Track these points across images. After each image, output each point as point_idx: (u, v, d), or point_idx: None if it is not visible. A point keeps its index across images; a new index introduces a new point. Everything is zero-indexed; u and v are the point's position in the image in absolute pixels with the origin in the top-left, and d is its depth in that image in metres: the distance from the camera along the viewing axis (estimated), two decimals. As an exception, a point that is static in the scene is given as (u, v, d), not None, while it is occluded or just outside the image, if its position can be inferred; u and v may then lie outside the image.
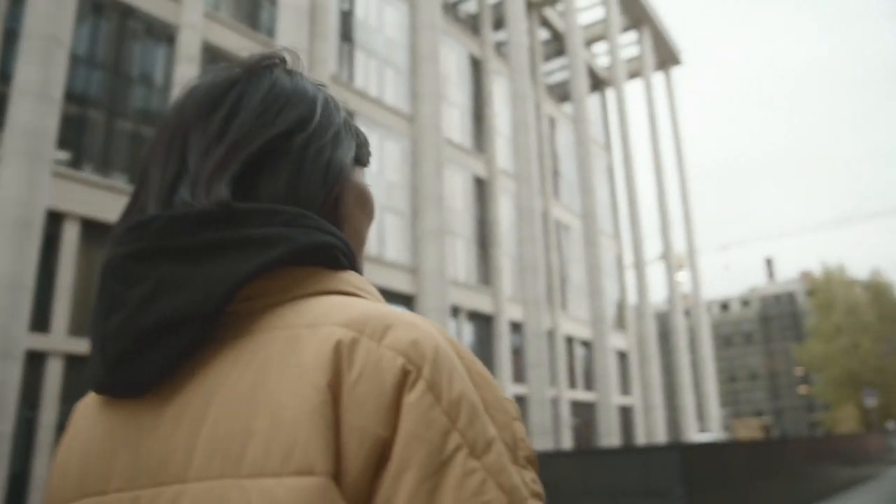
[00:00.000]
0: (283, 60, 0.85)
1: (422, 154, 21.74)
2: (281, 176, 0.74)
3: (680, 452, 9.42)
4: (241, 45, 18.31)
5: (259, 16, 19.45)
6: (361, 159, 0.88)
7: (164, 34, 17.08)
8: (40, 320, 13.75)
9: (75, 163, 15.07)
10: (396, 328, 0.64)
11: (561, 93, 37.09)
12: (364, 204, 0.85)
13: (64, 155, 14.83)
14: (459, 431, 0.60)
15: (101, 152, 15.67)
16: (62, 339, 13.89)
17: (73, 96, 15.18)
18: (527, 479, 0.64)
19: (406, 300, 22.53)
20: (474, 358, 0.68)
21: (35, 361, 13.41)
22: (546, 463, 11.20)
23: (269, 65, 0.82)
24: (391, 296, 22.08)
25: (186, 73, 16.25)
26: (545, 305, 26.30)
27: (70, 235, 14.36)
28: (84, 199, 14.55)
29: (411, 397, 0.60)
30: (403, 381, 0.61)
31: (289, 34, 15.40)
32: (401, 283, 22.23)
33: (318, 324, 0.65)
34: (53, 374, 13.57)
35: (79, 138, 15.40)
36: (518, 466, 0.64)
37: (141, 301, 0.65)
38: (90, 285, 14.60)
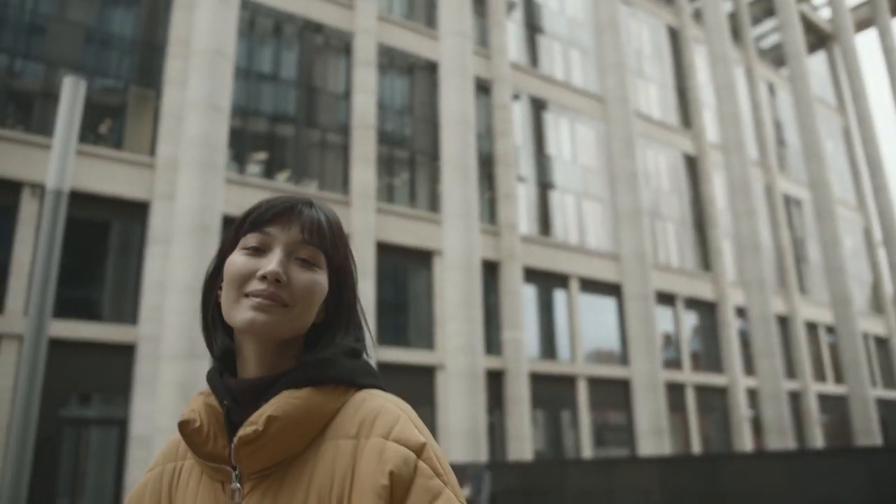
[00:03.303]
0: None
1: (611, 132, 20.37)
2: None
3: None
4: (413, 42, 18.21)
5: (430, 12, 19.27)
6: (246, 231, 1.02)
7: (341, 42, 17.37)
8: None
9: (268, 173, 15.68)
10: None
11: (778, 56, 33.58)
12: (227, 282, 1.00)
13: (258, 166, 15.48)
14: None
15: (293, 162, 16.20)
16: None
17: (262, 113, 15.86)
18: None
19: (612, 289, 21.17)
20: None
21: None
22: (740, 466, 9.21)
23: None
24: (595, 285, 20.87)
25: (364, 78, 16.32)
26: (773, 288, 23.56)
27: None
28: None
29: None
30: None
31: (451, 22, 14.95)
32: (604, 272, 20.94)
33: None
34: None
35: (271, 150, 16.03)
36: None
37: None
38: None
